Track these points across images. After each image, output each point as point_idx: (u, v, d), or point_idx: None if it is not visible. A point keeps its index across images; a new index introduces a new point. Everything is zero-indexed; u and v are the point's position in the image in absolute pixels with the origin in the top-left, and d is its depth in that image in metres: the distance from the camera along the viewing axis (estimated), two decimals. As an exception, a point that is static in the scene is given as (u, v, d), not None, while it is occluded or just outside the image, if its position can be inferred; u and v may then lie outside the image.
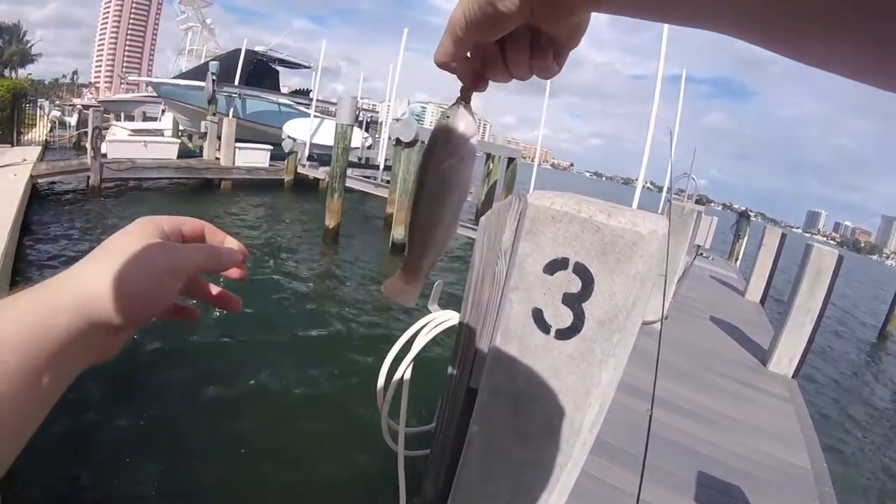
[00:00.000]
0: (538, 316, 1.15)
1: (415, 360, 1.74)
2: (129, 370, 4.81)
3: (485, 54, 0.38)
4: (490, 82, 0.42)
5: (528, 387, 1.17)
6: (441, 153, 0.45)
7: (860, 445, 6.93)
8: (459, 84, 0.42)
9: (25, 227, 8.25)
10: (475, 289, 1.36)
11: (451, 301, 1.96)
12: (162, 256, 0.42)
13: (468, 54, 0.39)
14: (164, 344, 5.55)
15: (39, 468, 3.38)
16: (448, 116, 0.45)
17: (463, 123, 0.44)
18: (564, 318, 1.13)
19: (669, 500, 2.49)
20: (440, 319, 1.81)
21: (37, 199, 10.07)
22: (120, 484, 3.51)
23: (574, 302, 1.11)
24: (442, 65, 0.39)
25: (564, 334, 1.14)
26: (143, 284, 0.40)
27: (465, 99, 0.44)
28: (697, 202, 16.52)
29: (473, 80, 0.42)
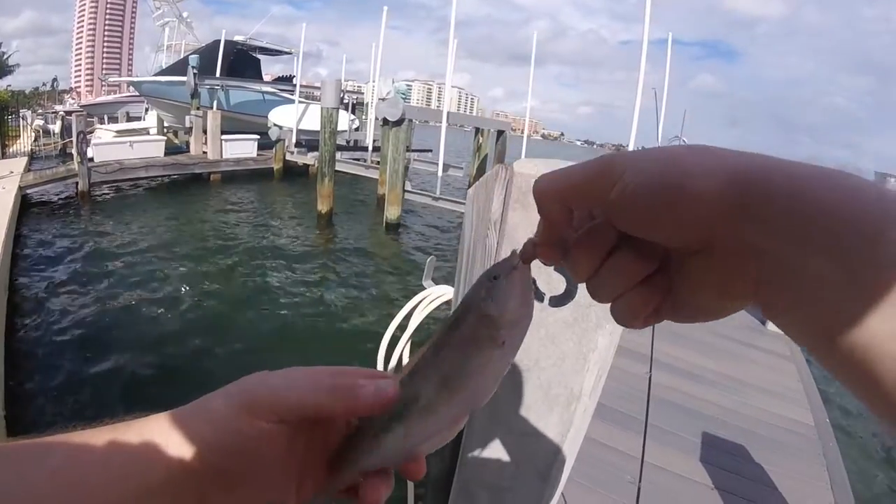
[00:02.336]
0: (531, 285, 1.14)
1: (413, 338, 1.74)
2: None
3: (594, 232, 0.28)
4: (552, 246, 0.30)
5: (526, 356, 1.17)
6: (475, 327, 0.32)
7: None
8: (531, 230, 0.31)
9: (18, 238, 8.19)
10: (467, 262, 1.35)
11: (447, 276, 1.95)
12: (236, 388, 0.33)
13: (575, 211, 0.29)
14: (176, 329, 5.58)
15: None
16: (496, 277, 0.32)
17: (520, 294, 0.32)
18: (558, 285, 1.12)
19: (674, 461, 2.51)
20: (435, 295, 1.80)
21: (27, 210, 10.00)
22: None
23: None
24: (544, 196, 0.28)
25: (559, 301, 1.13)
26: (211, 430, 0.31)
27: (526, 258, 0.32)
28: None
29: (553, 243, 0.30)
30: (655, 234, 0.25)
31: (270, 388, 0.33)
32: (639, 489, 1.46)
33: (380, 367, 1.77)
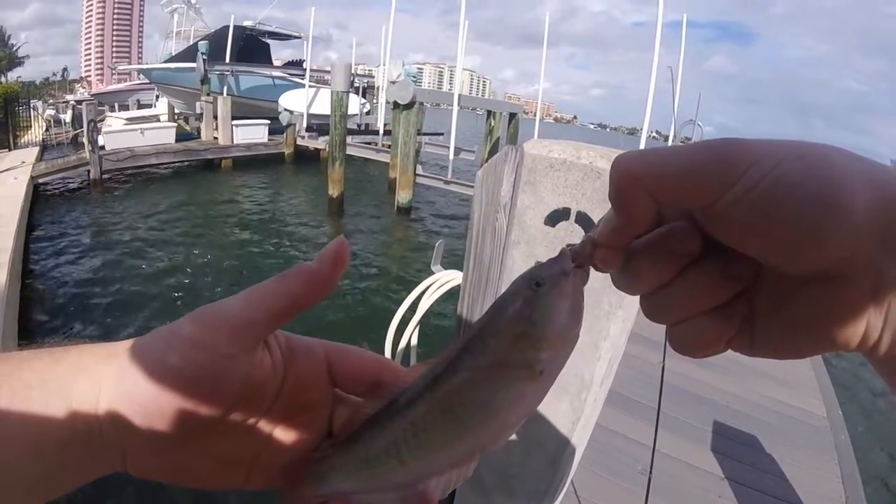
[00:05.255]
0: (541, 270, 1.11)
1: (421, 323, 1.72)
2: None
3: (673, 237, 0.23)
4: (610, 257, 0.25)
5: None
6: (506, 351, 0.25)
7: (876, 391, 6.88)
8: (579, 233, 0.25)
9: (31, 228, 8.24)
10: (476, 246, 1.32)
11: (458, 260, 1.92)
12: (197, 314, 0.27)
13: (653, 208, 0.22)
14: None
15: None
16: (540, 283, 0.25)
17: (571, 310, 0.25)
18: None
19: (686, 450, 2.49)
20: (444, 280, 1.78)
21: (40, 199, 10.01)
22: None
23: (578, 253, 1.06)
24: (633, 183, 0.22)
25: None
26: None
27: (582, 262, 0.25)
28: (705, 148, 16.23)
29: (622, 246, 0.24)
30: (778, 253, 0.20)
31: (222, 305, 0.27)
32: (649, 479, 1.43)
33: (387, 352, 1.76)
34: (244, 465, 0.29)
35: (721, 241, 0.21)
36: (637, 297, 0.26)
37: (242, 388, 0.26)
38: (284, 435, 0.29)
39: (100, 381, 0.25)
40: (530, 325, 0.24)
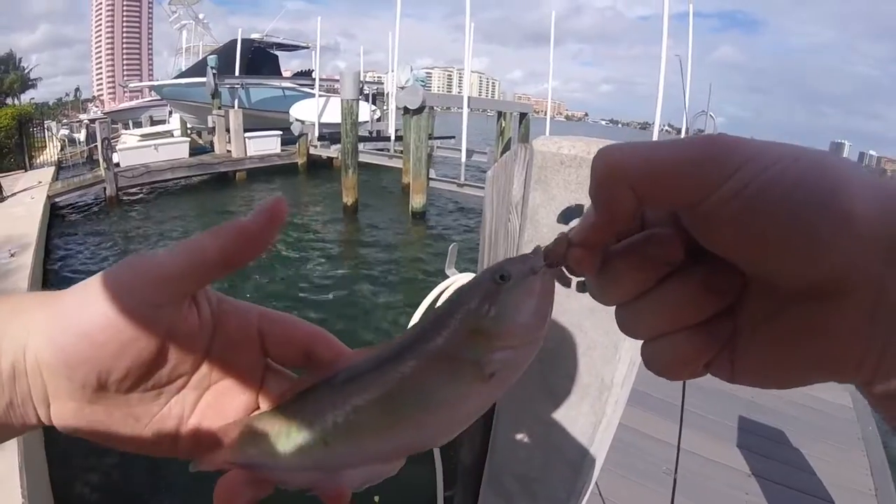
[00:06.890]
0: (556, 270, 1.09)
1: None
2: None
3: (653, 243, 0.22)
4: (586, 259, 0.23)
5: (553, 345, 1.12)
6: (458, 344, 0.23)
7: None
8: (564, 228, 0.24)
9: (49, 247, 8.37)
10: (489, 247, 1.30)
11: (471, 263, 1.90)
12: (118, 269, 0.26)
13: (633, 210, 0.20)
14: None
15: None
16: (505, 277, 0.24)
17: (535, 310, 0.24)
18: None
19: (711, 447, 2.45)
20: (458, 283, 1.76)
21: (57, 218, 10.15)
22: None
23: (593, 251, 1.04)
24: (615, 175, 0.20)
25: (586, 286, 1.07)
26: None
27: (554, 261, 0.24)
28: (718, 140, 16.04)
29: (598, 246, 0.23)
30: (769, 261, 0.18)
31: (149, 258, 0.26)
32: (675, 479, 1.40)
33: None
34: (170, 428, 0.29)
35: (707, 247, 0.19)
36: None
37: (166, 340, 0.26)
38: (213, 400, 0.29)
39: (31, 323, 0.26)
40: (488, 319, 0.23)
